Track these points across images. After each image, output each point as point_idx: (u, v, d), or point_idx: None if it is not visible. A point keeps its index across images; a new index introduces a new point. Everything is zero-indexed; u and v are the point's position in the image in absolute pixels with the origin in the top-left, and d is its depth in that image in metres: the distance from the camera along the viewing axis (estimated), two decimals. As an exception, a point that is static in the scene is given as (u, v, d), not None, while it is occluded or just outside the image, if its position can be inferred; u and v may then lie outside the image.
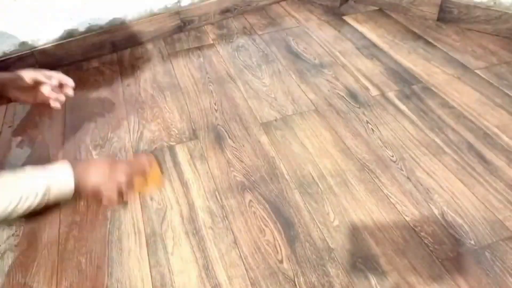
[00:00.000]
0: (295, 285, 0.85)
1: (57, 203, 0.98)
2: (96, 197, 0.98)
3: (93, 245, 0.95)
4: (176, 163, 1.14)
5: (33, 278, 0.90)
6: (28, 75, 1.02)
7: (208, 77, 1.47)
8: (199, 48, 1.66)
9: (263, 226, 0.96)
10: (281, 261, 0.89)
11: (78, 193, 0.93)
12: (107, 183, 0.96)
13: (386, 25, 1.70)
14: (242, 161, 1.13)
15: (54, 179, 0.90)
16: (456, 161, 1.08)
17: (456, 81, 1.36)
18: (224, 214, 0.99)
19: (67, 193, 0.91)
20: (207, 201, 1.03)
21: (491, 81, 1.34)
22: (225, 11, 1.83)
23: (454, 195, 1.00)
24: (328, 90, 1.37)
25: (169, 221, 0.99)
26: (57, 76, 1.06)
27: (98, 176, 0.95)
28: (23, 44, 1.50)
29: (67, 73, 1.39)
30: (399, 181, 1.04)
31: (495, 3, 1.52)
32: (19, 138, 1.28)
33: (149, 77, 1.50)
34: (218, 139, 1.21)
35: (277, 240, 0.93)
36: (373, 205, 0.99)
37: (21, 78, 1.01)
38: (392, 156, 1.11)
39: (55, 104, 1.05)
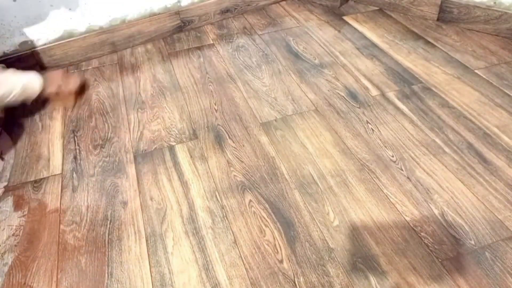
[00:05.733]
0: (295, 285, 0.85)
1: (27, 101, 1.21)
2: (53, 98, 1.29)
3: (93, 245, 0.95)
4: (176, 163, 1.14)
5: (33, 278, 0.90)
6: None
7: (208, 77, 1.47)
8: (199, 48, 1.66)
9: (263, 226, 0.96)
10: (281, 261, 0.89)
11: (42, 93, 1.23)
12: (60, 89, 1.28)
13: (386, 25, 1.70)
14: (242, 161, 1.13)
15: (29, 81, 1.20)
16: (456, 161, 1.08)
17: (456, 81, 1.36)
18: (224, 214, 0.99)
19: (35, 92, 1.22)
20: (207, 201, 1.03)
21: (491, 81, 1.34)
22: (225, 11, 1.83)
23: (454, 195, 1.00)
24: (328, 90, 1.37)
25: (169, 221, 0.99)
26: None
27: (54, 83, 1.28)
28: (23, 44, 1.50)
29: (67, 73, 1.37)
30: (399, 181, 1.04)
31: (495, 3, 1.52)
32: (19, 138, 1.28)
33: (149, 77, 1.50)
34: (218, 139, 1.21)
35: (277, 240, 0.93)
36: (373, 205, 0.99)
37: None
38: (392, 156, 1.11)
39: None
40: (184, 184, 1.08)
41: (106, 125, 1.30)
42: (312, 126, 1.23)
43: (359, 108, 1.28)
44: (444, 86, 1.34)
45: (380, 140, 1.16)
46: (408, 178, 1.05)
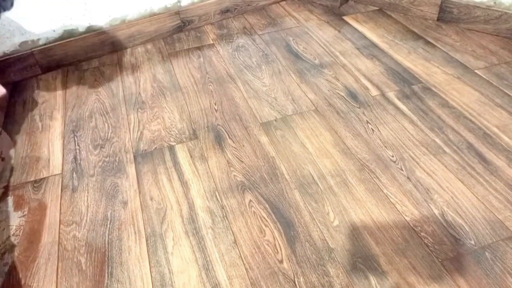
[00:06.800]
0: (295, 285, 0.85)
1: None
2: None
3: (93, 245, 0.95)
4: (176, 163, 1.14)
5: (33, 278, 0.90)
6: None
7: (208, 77, 1.47)
8: (199, 48, 1.66)
9: (263, 226, 0.96)
10: (281, 261, 0.89)
11: None
12: None
13: (386, 25, 1.70)
14: (242, 161, 1.13)
15: None
16: (456, 161, 1.08)
17: (456, 81, 1.36)
18: (224, 214, 0.99)
19: None
20: (207, 201, 1.03)
21: (491, 81, 1.34)
22: (225, 11, 1.83)
23: (454, 195, 1.00)
24: (328, 90, 1.37)
25: (169, 221, 0.99)
26: None
27: None
28: (23, 44, 1.50)
29: (66, 73, 1.39)
30: (399, 181, 1.04)
31: (495, 3, 1.52)
32: (19, 138, 1.28)
33: (149, 77, 1.50)
34: (218, 139, 1.21)
35: (277, 240, 0.93)
36: (373, 205, 0.99)
37: None
38: (392, 156, 1.11)
39: None
40: (184, 184, 1.08)
41: (106, 125, 1.30)
42: (312, 126, 1.23)
43: (359, 108, 1.28)
44: (444, 86, 1.34)
45: (380, 140, 1.16)
46: (408, 178, 1.05)
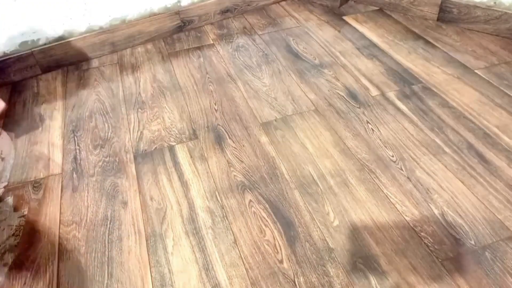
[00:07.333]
0: (295, 285, 0.85)
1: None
2: None
3: (93, 245, 0.95)
4: (176, 163, 1.14)
5: (33, 278, 0.90)
6: None
7: (208, 77, 1.47)
8: (199, 48, 1.66)
9: (263, 226, 0.96)
10: (281, 261, 0.89)
11: None
12: None
13: (386, 25, 1.70)
14: (242, 161, 1.13)
15: None
16: (456, 161, 1.08)
17: (456, 81, 1.36)
18: (224, 214, 0.99)
19: None
20: (207, 201, 1.03)
21: (491, 81, 1.34)
22: (225, 11, 1.83)
23: (454, 195, 1.00)
24: (328, 90, 1.37)
25: (169, 221, 0.99)
26: None
27: None
28: (23, 44, 1.50)
29: (66, 73, 1.39)
30: (399, 181, 1.04)
31: (495, 3, 1.52)
32: (19, 138, 1.28)
33: (149, 77, 1.50)
34: (218, 139, 1.21)
35: (277, 240, 0.93)
36: (373, 205, 0.99)
37: None
38: (392, 156, 1.11)
39: None
40: (184, 184, 1.08)
41: (106, 125, 1.30)
42: (312, 126, 1.23)
43: (359, 108, 1.28)
44: (444, 86, 1.34)
45: (380, 140, 1.16)
46: (408, 178, 1.05)
